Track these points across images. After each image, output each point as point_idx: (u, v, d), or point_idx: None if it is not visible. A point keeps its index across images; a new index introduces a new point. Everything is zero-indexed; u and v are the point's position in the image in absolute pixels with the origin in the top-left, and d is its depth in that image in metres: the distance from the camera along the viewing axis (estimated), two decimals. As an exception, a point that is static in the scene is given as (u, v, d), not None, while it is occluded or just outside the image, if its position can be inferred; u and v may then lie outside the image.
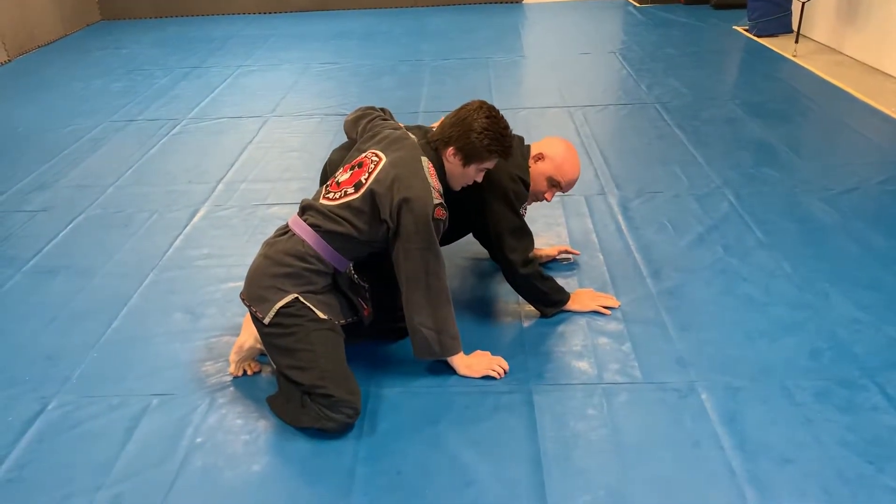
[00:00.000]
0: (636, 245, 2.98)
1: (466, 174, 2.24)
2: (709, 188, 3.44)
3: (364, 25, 7.20)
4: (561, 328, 2.49)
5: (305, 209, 2.21)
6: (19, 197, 3.63)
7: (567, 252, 2.89)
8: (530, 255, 2.45)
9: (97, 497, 1.87)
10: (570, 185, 2.57)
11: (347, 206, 2.14)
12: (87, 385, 2.28)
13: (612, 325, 2.48)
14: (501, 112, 2.23)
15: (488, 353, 2.32)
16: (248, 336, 2.29)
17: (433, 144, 2.23)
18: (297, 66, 5.76)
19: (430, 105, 4.75)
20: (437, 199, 2.12)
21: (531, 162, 2.52)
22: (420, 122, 4.47)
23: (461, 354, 2.26)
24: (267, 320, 2.10)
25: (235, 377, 2.29)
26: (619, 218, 3.21)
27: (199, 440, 2.05)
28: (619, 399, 2.15)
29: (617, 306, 2.58)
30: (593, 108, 4.57)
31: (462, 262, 2.93)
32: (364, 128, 2.42)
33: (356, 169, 2.21)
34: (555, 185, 2.54)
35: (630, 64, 5.46)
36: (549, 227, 3.14)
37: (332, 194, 2.19)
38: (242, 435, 2.07)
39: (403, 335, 2.36)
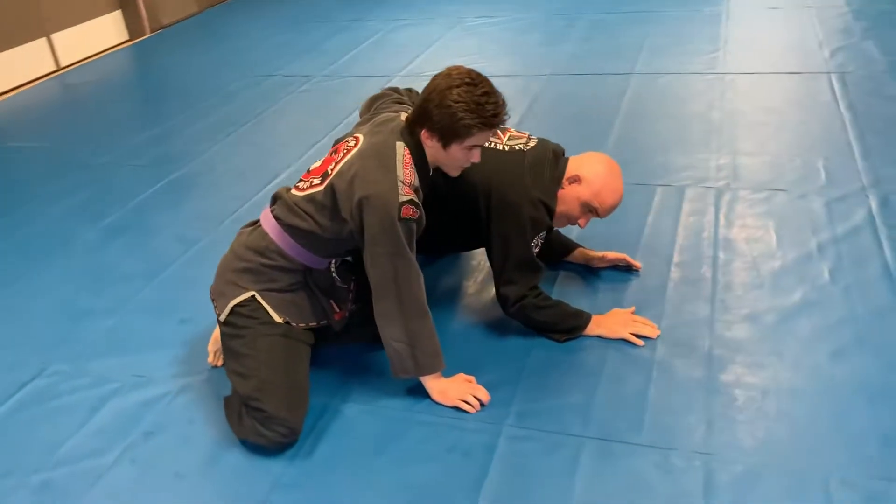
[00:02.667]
0: (719, 255, 2.45)
1: (453, 156, 1.89)
2: (849, 189, 2.74)
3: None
4: (575, 357, 2.09)
5: (275, 199, 2.02)
6: (136, 149, 3.82)
7: (626, 262, 2.44)
8: (527, 291, 2.09)
9: (30, 480, 1.86)
10: (609, 212, 2.16)
11: (311, 198, 1.92)
12: (86, 356, 2.30)
13: (637, 362, 2.04)
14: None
15: (472, 378, 2.01)
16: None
17: (410, 127, 1.91)
18: (449, 21, 5.50)
19: (561, 66, 4.31)
20: (406, 196, 1.82)
21: (565, 183, 2.12)
22: (538, 88, 4.10)
23: (438, 376, 1.98)
24: (222, 318, 1.97)
25: (214, 367, 2.20)
26: (715, 217, 2.66)
27: (148, 431, 1.99)
28: (603, 464, 1.75)
29: (654, 336, 2.13)
30: (749, 77, 3.85)
31: (465, 261, 2.60)
32: (375, 109, 2.16)
33: (330, 156, 1.97)
34: (591, 211, 2.14)
35: (823, 21, 4.54)
36: (625, 218, 2.66)
37: (302, 183, 1.98)
38: (188, 433, 1.97)
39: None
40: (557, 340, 2.14)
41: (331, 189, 1.88)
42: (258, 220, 2.04)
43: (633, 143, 3.32)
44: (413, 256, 1.87)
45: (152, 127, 4.10)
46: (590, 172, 2.11)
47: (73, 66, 5.46)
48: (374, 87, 4.21)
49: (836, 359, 2.00)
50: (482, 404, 1.95)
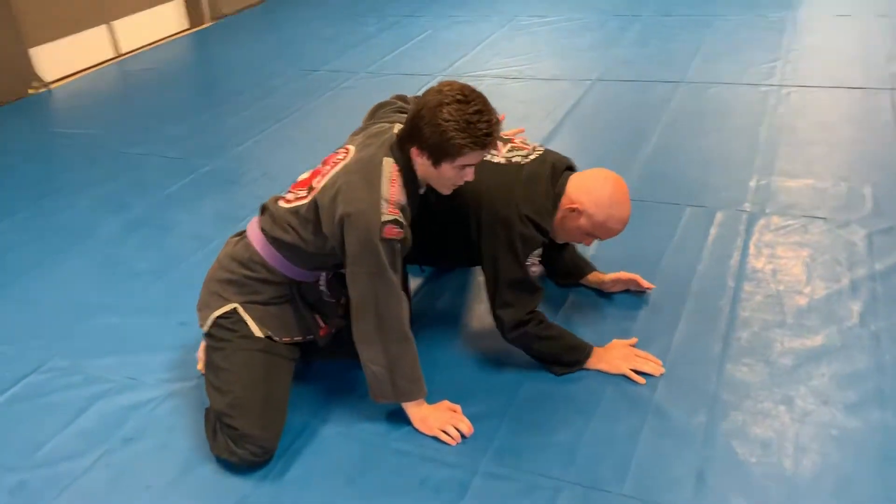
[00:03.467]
0: (742, 287, 2.29)
1: (444, 175, 1.79)
2: (896, 222, 2.53)
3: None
4: (569, 391, 1.98)
5: (263, 209, 1.97)
6: (172, 140, 3.84)
7: (638, 284, 2.30)
8: (526, 315, 1.97)
9: (6, 480, 1.87)
10: (614, 236, 2.04)
11: (296, 211, 1.86)
12: (85, 353, 2.30)
13: (635, 401, 1.92)
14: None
15: (458, 407, 1.92)
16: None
17: (400, 143, 1.83)
18: (501, 19, 5.37)
19: (608, 71, 4.15)
20: (389, 216, 1.74)
21: (565, 210, 1.98)
22: (580, 93, 3.94)
23: (420, 403, 1.90)
24: (204, 329, 1.93)
25: (202, 374, 2.17)
26: (744, 245, 2.49)
27: (128, 437, 1.97)
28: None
29: (657, 374, 1.99)
30: (805, 91, 3.62)
31: (467, 280, 2.49)
32: (377, 118, 2.09)
33: (318, 168, 1.91)
34: (593, 236, 2.03)
35: (896, 32, 4.26)
36: (646, 238, 2.52)
37: (290, 195, 1.92)
38: (167, 441, 1.94)
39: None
40: (554, 373, 2.03)
41: (314, 204, 1.81)
42: (243, 231, 1.99)
43: (668, 156, 3.16)
44: (396, 278, 1.79)
45: (192, 117, 4.13)
46: (591, 201, 1.97)
47: (133, 52, 5.57)
48: (416, 86, 4.18)
49: (852, 413, 1.83)
50: (463, 436, 1.86)
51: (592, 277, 2.35)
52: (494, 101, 1.77)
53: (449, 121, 1.69)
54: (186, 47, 5.70)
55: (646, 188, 2.88)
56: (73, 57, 5.15)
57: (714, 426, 1.83)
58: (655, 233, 2.60)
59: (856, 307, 2.17)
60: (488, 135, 1.73)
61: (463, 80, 1.78)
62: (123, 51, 5.54)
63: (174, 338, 2.34)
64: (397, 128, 1.89)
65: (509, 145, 2.09)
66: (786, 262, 2.40)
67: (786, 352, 2.04)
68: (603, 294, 2.34)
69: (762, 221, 2.62)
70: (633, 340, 2.08)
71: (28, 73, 4.77)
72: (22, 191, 3.42)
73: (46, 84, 4.86)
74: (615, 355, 2.03)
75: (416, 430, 1.89)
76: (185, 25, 6.07)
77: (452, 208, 2.00)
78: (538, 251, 2.02)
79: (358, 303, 1.81)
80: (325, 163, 1.90)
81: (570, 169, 2.09)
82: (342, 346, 2.08)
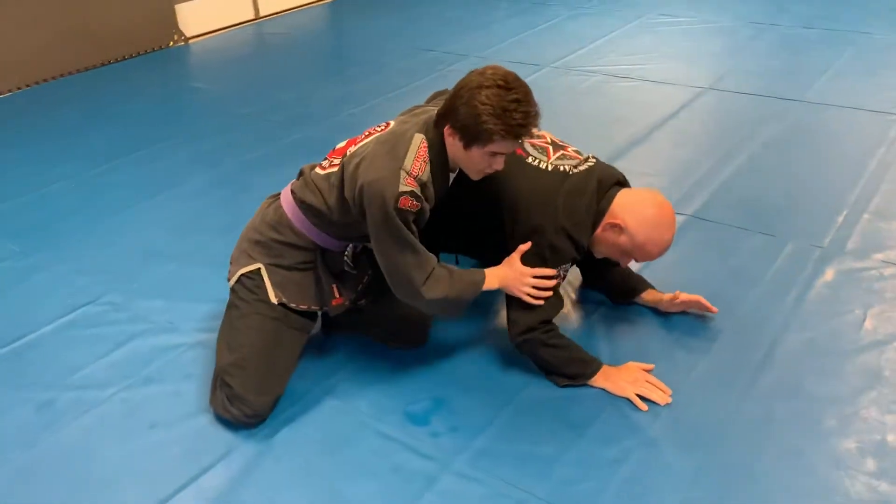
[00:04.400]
0: (787, 331, 2.13)
1: (473, 159, 1.79)
2: None
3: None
4: (568, 406, 1.93)
5: (300, 174, 2.03)
6: (278, 104, 4.01)
7: (700, 306, 2.20)
8: (538, 323, 1.94)
9: (39, 396, 2.04)
10: (652, 260, 2.01)
11: (327, 177, 1.91)
12: (138, 293, 2.47)
13: (632, 428, 1.84)
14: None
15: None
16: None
17: (437, 120, 1.83)
18: (630, 15, 5.17)
19: (723, 80, 3.92)
20: (407, 187, 1.75)
21: (606, 225, 1.94)
22: (683, 100, 3.73)
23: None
24: (230, 283, 2.03)
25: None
26: (807, 285, 2.31)
27: (149, 377, 2.10)
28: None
29: (662, 403, 1.90)
30: (934, 125, 3.28)
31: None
32: (432, 103, 2.10)
33: (357, 136, 1.95)
34: (629, 256, 1.98)
35: None
36: (703, 262, 2.40)
37: (325, 162, 1.97)
38: (180, 388, 2.05)
39: (400, 342, 2.12)
40: (557, 384, 1.98)
41: (342, 170, 1.86)
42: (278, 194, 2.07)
43: (753, 177, 2.97)
44: (416, 242, 1.81)
45: (303, 85, 4.30)
46: (634, 220, 1.91)
47: (271, 16, 5.84)
48: (522, 75, 4.14)
49: (867, 485, 1.67)
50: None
51: (648, 296, 2.26)
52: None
53: (486, 104, 1.68)
54: (319, 17, 5.90)
55: (715, 208, 2.73)
56: (214, 15, 5.47)
57: (707, 469, 1.73)
58: (713, 256, 2.46)
59: (907, 369, 1.97)
60: (523, 126, 1.71)
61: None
62: (262, 14, 5.83)
63: (220, 291, 2.42)
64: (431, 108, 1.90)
65: (561, 152, 2.04)
66: (842, 308, 2.21)
67: (812, 402, 1.89)
68: (658, 312, 2.24)
69: (835, 261, 2.42)
70: (650, 366, 1.99)
71: (171, 27, 5.13)
72: (138, 136, 3.69)
73: (186, 38, 5.20)
74: (624, 377, 1.95)
75: (409, 418, 1.91)
76: (325, -5, 6.29)
77: (491, 206, 1.99)
78: (568, 265, 1.96)
79: (386, 271, 1.85)
80: (364, 135, 1.94)
81: (620, 184, 2.03)
82: (363, 322, 2.13)
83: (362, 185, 1.78)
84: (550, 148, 2.04)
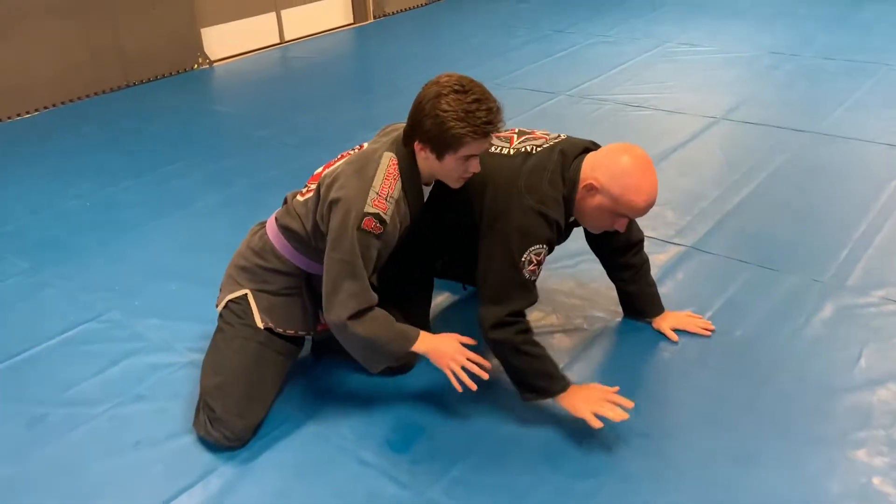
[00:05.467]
0: (780, 363, 2.10)
1: (448, 167, 1.80)
2: None
3: (787, 2, 6.11)
4: (549, 436, 1.91)
5: (284, 201, 2.07)
6: (294, 127, 4.08)
7: (702, 325, 2.20)
8: (507, 315, 1.87)
9: (31, 410, 2.09)
10: (643, 212, 1.87)
11: (305, 203, 1.94)
12: (138, 312, 2.51)
13: (608, 464, 1.82)
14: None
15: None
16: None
17: (404, 138, 1.85)
18: (649, 44, 5.19)
19: (736, 111, 3.90)
20: (374, 209, 1.77)
21: (582, 189, 1.87)
22: (695, 129, 3.71)
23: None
24: (218, 309, 2.06)
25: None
26: (805, 320, 2.28)
27: (140, 395, 2.14)
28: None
29: (617, 420, 1.81)
30: (950, 160, 3.22)
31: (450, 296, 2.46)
32: None
33: (332, 160, 1.98)
34: (621, 215, 1.89)
35: None
36: (700, 288, 2.37)
37: (305, 188, 2.00)
38: (167, 406, 2.08)
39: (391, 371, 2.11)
40: (521, 397, 1.95)
41: (317, 193, 1.89)
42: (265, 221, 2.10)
43: (757, 210, 2.94)
44: (364, 273, 1.80)
45: (320, 108, 4.37)
46: (605, 175, 1.83)
47: (296, 40, 5.96)
48: (533, 103, 4.17)
49: (844, 527, 1.64)
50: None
51: (655, 325, 2.27)
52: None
53: (448, 111, 1.71)
54: (344, 41, 6.00)
55: (715, 240, 2.71)
56: (239, 39, 5.59)
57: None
58: (708, 288, 2.44)
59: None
60: (488, 122, 1.73)
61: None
62: (288, 38, 5.94)
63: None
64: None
65: (525, 136, 2.01)
66: (841, 345, 2.17)
67: (799, 443, 1.85)
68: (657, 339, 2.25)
69: (834, 296, 2.38)
70: (615, 389, 1.91)
71: (196, 50, 5.25)
72: (155, 155, 3.78)
73: (210, 62, 5.32)
74: (581, 397, 1.89)
75: (389, 445, 1.91)
76: (350, 20, 6.40)
77: (465, 206, 1.95)
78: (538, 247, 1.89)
79: (328, 290, 1.82)
80: (338, 158, 1.97)
81: (588, 151, 1.95)
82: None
83: (331, 202, 1.81)
84: (515, 136, 2.02)
